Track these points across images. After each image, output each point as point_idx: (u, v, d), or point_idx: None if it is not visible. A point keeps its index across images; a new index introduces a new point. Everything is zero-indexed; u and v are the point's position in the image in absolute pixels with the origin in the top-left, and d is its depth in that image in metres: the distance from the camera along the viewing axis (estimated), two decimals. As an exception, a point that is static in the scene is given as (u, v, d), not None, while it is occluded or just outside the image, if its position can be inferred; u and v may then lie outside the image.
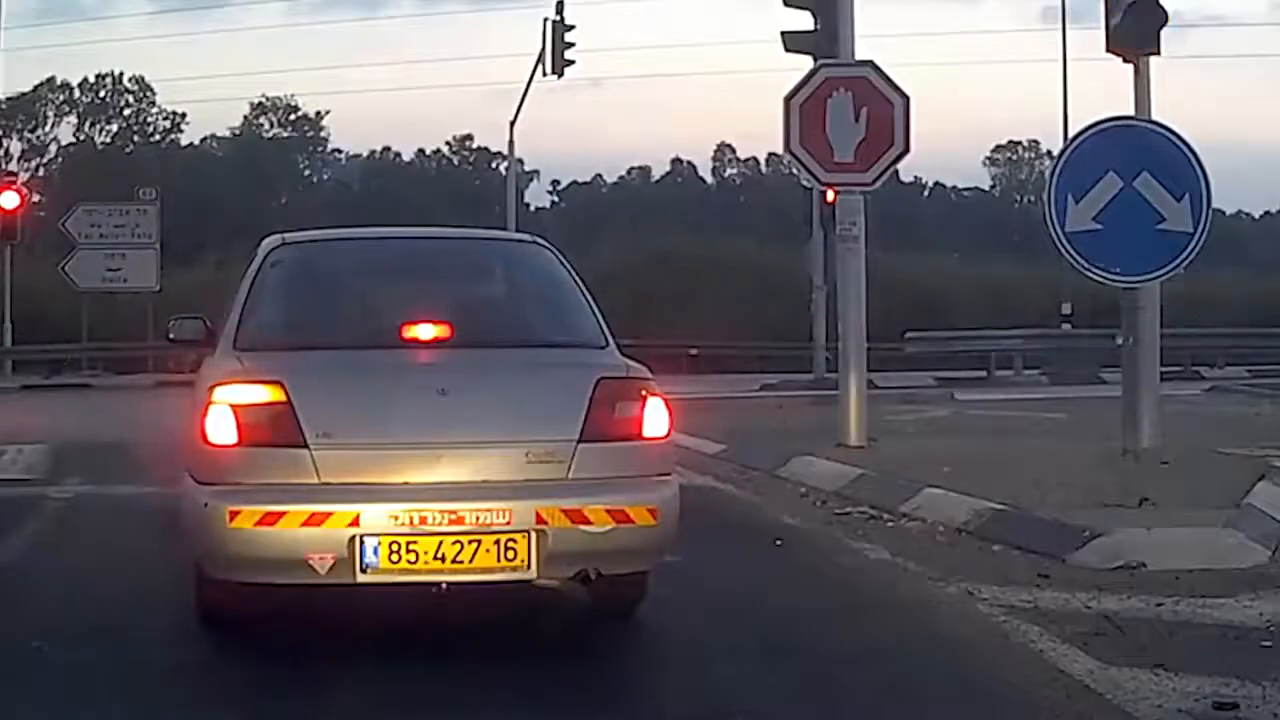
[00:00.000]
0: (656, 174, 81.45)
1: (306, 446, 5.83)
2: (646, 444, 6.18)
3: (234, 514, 5.74)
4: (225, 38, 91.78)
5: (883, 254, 32.91)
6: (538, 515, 5.85)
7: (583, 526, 5.90)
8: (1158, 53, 11.91)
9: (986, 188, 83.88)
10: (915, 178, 74.42)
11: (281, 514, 5.74)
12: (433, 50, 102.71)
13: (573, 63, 31.28)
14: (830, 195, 17.95)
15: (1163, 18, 11.77)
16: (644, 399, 6.20)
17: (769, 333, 33.34)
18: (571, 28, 31.09)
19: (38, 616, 6.76)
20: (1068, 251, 11.15)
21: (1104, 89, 15.49)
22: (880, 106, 12.99)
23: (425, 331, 6.43)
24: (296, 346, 6.46)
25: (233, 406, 5.90)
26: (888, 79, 13.05)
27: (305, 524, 5.74)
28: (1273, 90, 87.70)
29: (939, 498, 9.95)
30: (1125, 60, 11.97)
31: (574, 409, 6.04)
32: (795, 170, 14.28)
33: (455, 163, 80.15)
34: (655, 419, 6.20)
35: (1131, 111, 11.76)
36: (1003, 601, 7.10)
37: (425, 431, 5.95)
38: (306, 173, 79.88)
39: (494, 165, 70.72)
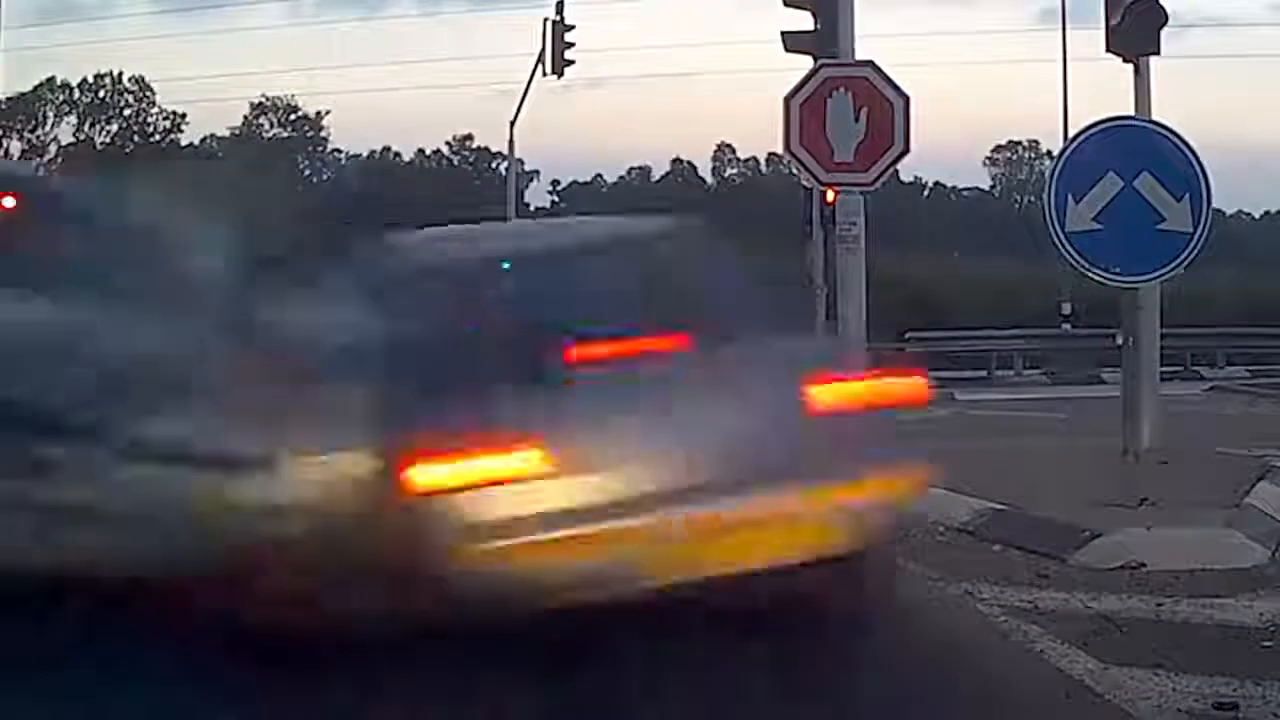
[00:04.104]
0: (656, 174, 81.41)
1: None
2: (880, 419, 6.13)
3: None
4: (225, 38, 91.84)
5: (883, 254, 32.88)
6: (801, 500, 5.81)
7: (841, 504, 5.87)
8: (1158, 53, 11.93)
9: (986, 188, 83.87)
10: (915, 178, 74.34)
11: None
12: (433, 50, 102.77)
13: (573, 63, 31.30)
14: (830, 195, 17.94)
15: (1163, 18, 11.78)
16: (875, 375, 6.26)
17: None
18: (571, 28, 31.11)
19: (36, 616, 6.74)
20: (1067, 252, 11.15)
21: (1104, 89, 15.49)
22: (880, 106, 12.97)
23: (648, 342, 6.15)
24: None
25: None
26: (888, 79, 13.03)
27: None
28: (1273, 90, 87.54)
29: (939, 497, 9.94)
30: (1125, 60, 11.98)
31: (803, 392, 5.97)
32: (795, 170, 14.26)
33: (455, 163, 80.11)
34: (887, 394, 6.17)
35: (1131, 111, 11.76)
36: (1003, 601, 7.10)
37: (673, 438, 5.82)
38: (306, 173, 79.91)
39: (494, 165, 70.68)
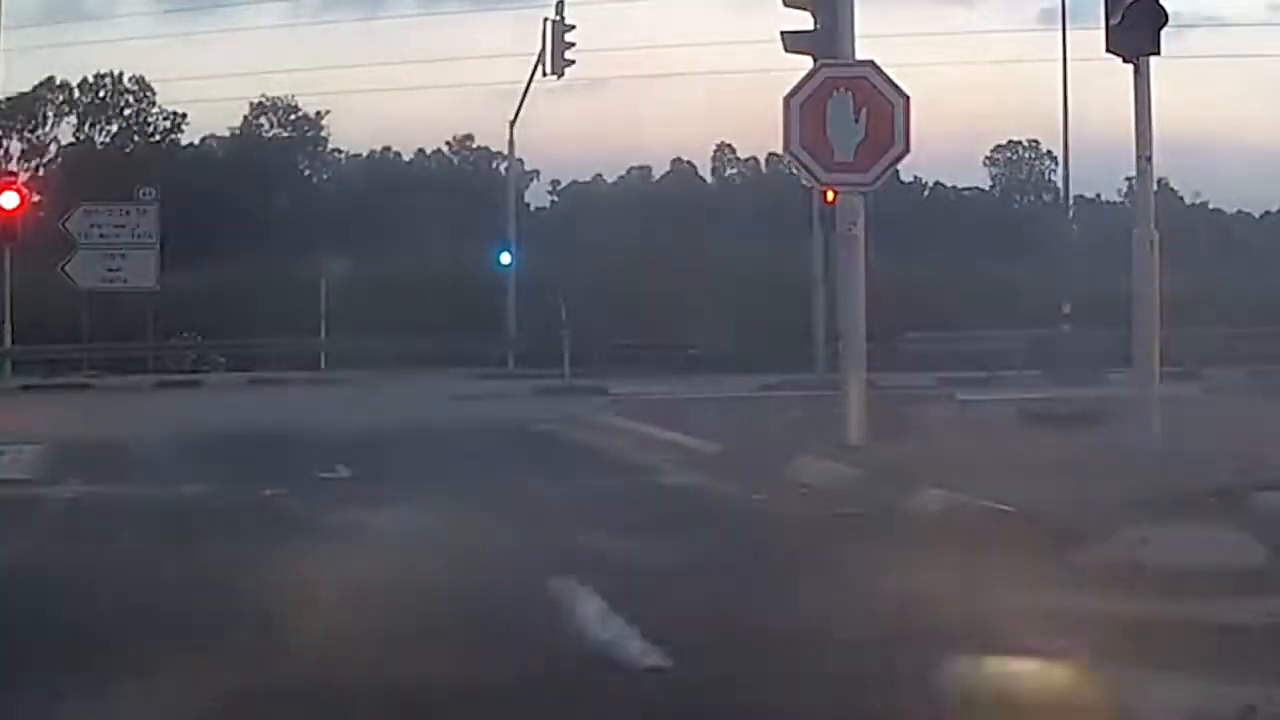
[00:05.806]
0: (656, 174, 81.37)
1: None
2: None
3: None
4: (225, 38, 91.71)
5: (882, 254, 32.90)
6: None
7: None
8: (1158, 53, 11.94)
9: (986, 188, 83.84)
10: (915, 178, 74.19)
11: None
12: (433, 50, 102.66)
13: (573, 63, 31.37)
14: (830, 195, 17.98)
15: (1163, 18, 11.79)
16: None
17: (769, 333, 33.34)
18: (571, 28, 31.18)
19: (36, 619, 6.75)
20: None
21: (1104, 89, 15.50)
22: (880, 106, 12.99)
23: None
24: None
25: None
26: (888, 79, 13.06)
27: None
28: (1272, 90, 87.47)
29: (940, 498, 9.96)
30: (1125, 60, 11.98)
31: None
32: (795, 170, 14.30)
33: (455, 163, 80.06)
34: None
35: (1131, 111, 11.78)
36: (1003, 601, 7.09)
37: None
38: (306, 173, 79.84)
39: (494, 165, 70.61)
